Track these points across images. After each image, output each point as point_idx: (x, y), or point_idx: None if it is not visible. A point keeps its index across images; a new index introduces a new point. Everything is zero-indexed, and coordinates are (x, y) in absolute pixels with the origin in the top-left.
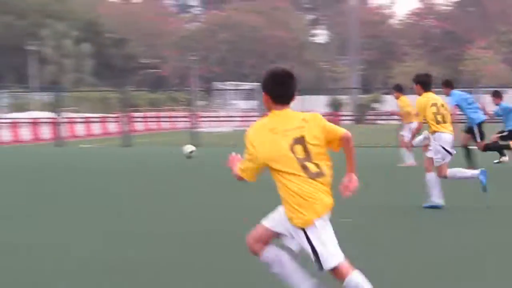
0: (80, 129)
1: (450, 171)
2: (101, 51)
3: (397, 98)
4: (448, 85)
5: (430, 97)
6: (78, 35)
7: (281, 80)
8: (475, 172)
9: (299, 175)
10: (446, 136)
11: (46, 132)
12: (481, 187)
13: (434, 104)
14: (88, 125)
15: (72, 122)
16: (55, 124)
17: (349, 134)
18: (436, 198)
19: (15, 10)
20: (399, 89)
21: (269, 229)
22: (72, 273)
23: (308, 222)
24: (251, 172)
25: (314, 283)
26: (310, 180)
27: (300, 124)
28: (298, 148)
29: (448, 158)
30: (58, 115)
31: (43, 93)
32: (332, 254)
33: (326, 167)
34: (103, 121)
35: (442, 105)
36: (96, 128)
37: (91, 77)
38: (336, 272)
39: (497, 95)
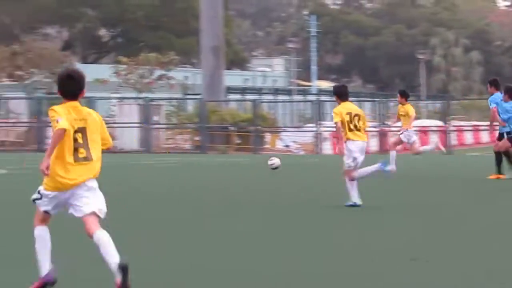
0: (468, 138)
1: (357, 173)
2: (489, 59)
3: (400, 103)
4: (492, 85)
5: (346, 106)
6: (467, 43)
7: None
8: (375, 166)
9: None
10: (358, 143)
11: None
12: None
13: (349, 113)
14: (476, 133)
15: (460, 130)
16: (443, 132)
17: None
18: (355, 198)
19: (405, 20)
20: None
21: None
22: None
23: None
24: None
25: (53, 267)
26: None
27: None
28: None
29: (358, 163)
30: (447, 123)
31: (432, 101)
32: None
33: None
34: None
35: (356, 115)
36: (484, 137)
37: (480, 85)
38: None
39: None
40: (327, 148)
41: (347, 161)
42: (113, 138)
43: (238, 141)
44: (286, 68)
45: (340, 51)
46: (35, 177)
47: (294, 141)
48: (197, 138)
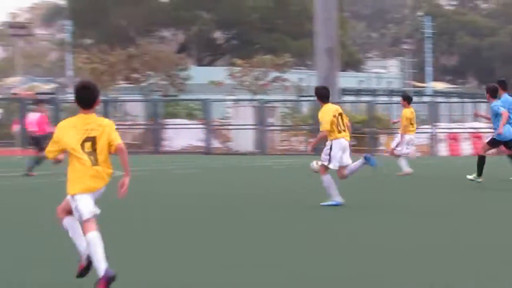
0: None
1: (347, 170)
2: None
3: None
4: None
5: (330, 108)
6: None
7: None
8: (361, 160)
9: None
10: (343, 141)
11: None
12: (372, 168)
13: (334, 116)
14: None
15: None
16: None
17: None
18: (336, 196)
19: None
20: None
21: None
22: None
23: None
24: None
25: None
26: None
27: None
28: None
29: (345, 161)
30: None
31: None
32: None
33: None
34: None
35: (340, 114)
36: None
37: None
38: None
39: None
40: (443, 149)
41: (334, 162)
42: (229, 140)
43: (353, 143)
44: (401, 69)
45: (455, 52)
46: (152, 178)
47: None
48: (311, 140)
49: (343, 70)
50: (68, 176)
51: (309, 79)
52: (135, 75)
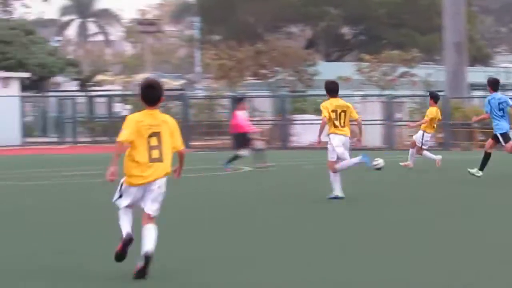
0: None
1: (339, 165)
2: None
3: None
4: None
5: (333, 103)
6: None
7: None
8: (357, 158)
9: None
10: (341, 137)
11: None
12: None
13: (334, 111)
14: None
15: None
16: None
17: None
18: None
19: None
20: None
21: None
22: None
23: None
24: None
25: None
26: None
27: None
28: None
29: (341, 155)
30: None
31: None
32: None
33: None
34: None
35: (343, 111)
36: None
37: None
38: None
39: None
40: None
41: (331, 154)
42: (356, 135)
43: (482, 138)
44: None
45: None
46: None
47: None
48: (440, 135)
49: (471, 65)
50: (124, 166)
51: (437, 74)
52: (263, 71)
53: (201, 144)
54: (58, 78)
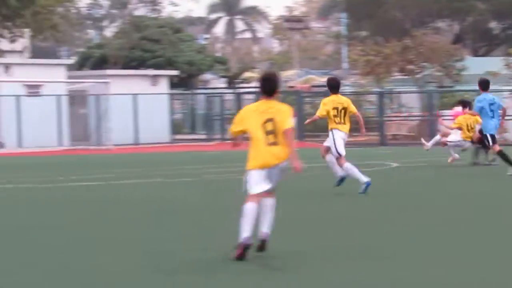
0: None
1: (346, 165)
2: None
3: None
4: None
5: (334, 100)
6: None
7: None
8: (364, 179)
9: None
10: (342, 133)
11: None
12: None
13: (335, 108)
14: None
15: None
16: None
17: None
18: (340, 171)
19: None
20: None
21: None
22: None
23: None
24: None
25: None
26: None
27: None
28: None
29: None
30: None
31: None
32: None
33: None
34: None
35: (343, 108)
36: None
37: None
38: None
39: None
40: None
41: (341, 149)
42: (504, 131)
43: None
44: None
45: None
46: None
47: None
48: None
49: None
50: (249, 154)
51: None
52: (410, 67)
53: (348, 140)
54: (206, 76)
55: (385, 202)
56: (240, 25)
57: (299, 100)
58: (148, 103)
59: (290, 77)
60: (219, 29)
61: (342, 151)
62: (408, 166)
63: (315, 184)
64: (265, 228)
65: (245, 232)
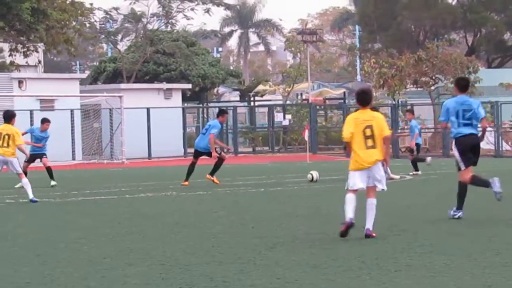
0: None
1: None
2: None
3: None
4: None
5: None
6: None
7: None
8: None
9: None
10: None
11: None
12: None
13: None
14: None
15: None
16: None
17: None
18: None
19: None
20: None
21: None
22: None
23: None
24: None
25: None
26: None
27: None
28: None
29: None
30: None
31: None
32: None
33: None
34: None
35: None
36: None
37: None
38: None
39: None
40: None
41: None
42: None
43: None
44: None
45: None
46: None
47: None
48: None
49: None
50: (351, 156)
51: None
52: (424, 79)
53: None
54: (220, 89)
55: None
56: (253, 38)
57: (312, 112)
58: (161, 116)
59: (304, 89)
60: (233, 42)
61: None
62: (421, 178)
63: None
64: (368, 225)
65: (349, 214)
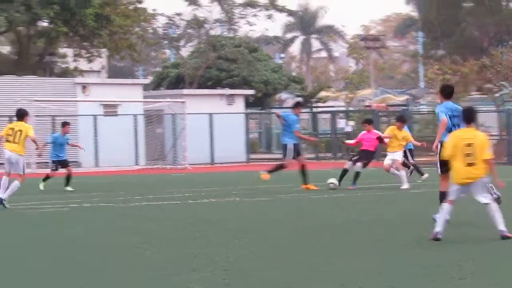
0: None
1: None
2: None
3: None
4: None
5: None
6: None
7: None
8: None
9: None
10: None
11: None
12: None
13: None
14: None
15: None
16: None
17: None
18: None
19: None
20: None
21: None
22: None
23: None
24: None
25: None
26: None
27: None
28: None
29: None
30: None
31: None
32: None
33: None
34: None
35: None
36: None
37: None
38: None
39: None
40: None
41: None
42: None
43: None
44: None
45: None
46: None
47: None
48: None
49: None
50: (452, 170)
51: None
52: (488, 86)
53: (425, 160)
54: (282, 95)
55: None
56: (316, 44)
57: (375, 119)
58: (224, 122)
59: (366, 96)
60: (295, 48)
61: None
62: None
63: None
64: (501, 226)
65: (438, 226)
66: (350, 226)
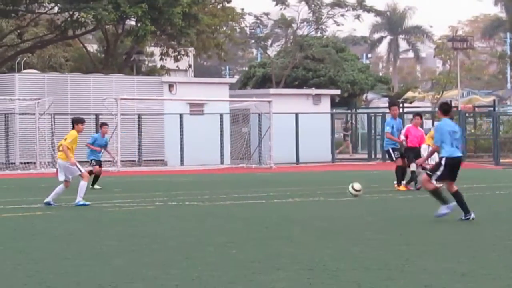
0: None
1: None
2: None
3: None
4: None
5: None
6: None
7: None
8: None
9: None
10: None
11: None
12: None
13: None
14: None
15: None
16: None
17: None
18: None
19: None
20: None
21: None
22: None
23: None
24: None
25: None
26: None
27: None
28: None
29: None
30: None
31: None
32: None
33: None
34: None
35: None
36: None
37: None
38: None
39: None
40: None
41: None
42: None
43: None
44: None
45: None
46: None
47: None
48: None
49: None
50: None
51: None
52: None
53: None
54: (369, 95)
55: None
56: (403, 44)
57: (461, 120)
58: (309, 122)
59: (453, 97)
60: (382, 48)
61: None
62: None
63: None
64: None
65: None
66: (435, 226)
